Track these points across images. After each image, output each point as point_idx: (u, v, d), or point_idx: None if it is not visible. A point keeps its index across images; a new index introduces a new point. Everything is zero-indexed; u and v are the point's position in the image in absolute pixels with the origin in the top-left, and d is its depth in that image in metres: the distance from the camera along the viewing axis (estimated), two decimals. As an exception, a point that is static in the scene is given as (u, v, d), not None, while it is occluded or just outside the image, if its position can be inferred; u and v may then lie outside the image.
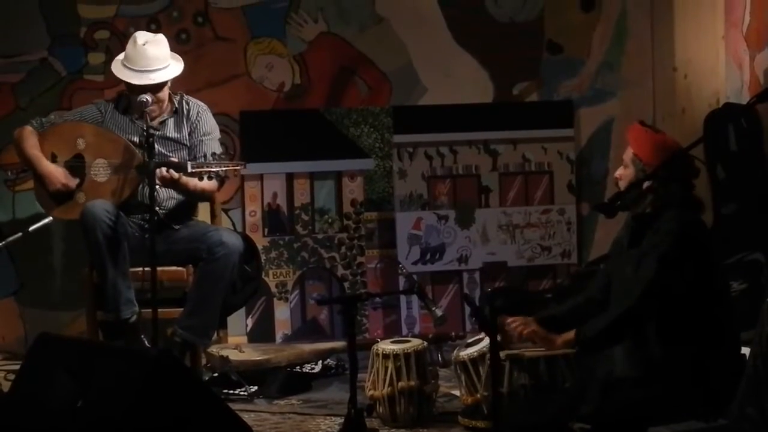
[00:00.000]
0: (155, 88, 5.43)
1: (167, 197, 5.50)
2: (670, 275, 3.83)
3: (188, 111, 5.59)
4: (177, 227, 5.51)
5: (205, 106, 5.67)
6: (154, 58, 5.44)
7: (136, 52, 5.44)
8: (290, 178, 6.61)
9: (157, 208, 5.28)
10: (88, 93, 6.34)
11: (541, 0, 6.75)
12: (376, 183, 6.67)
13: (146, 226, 5.22)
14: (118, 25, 6.48)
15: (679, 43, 6.68)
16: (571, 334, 4.01)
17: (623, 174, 4.11)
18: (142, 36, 5.51)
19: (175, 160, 5.31)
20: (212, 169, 5.19)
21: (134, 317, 5.32)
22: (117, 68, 5.50)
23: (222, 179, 5.45)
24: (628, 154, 4.11)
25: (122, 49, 5.63)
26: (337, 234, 6.65)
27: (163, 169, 5.20)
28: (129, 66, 5.45)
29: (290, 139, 6.59)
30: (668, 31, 6.73)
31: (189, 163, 5.21)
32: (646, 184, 4.00)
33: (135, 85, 5.42)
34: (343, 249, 6.65)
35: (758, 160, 5.96)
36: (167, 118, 5.56)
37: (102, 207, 5.26)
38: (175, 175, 5.20)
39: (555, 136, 6.76)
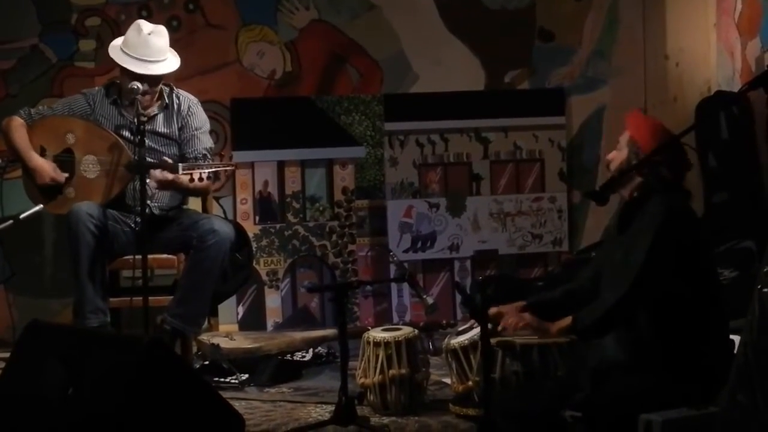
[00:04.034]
0: (153, 80, 5.39)
1: (157, 191, 5.45)
2: (659, 260, 3.82)
3: (179, 106, 5.54)
4: (168, 216, 5.50)
5: (195, 100, 5.62)
6: (156, 49, 5.39)
7: (140, 40, 5.37)
8: (281, 165, 6.60)
9: (148, 202, 5.25)
10: (78, 80, 6.32)
11: (533, -12, 6.76)
12: (367, 171, 6.66)
13: (138, 219, 5.19)
14: (109, 12, 6.46)
15: (671, 31, 6.69)
16: (565, 321, 4.00)
17: (615, 156, 4.07)
18: (146, 25, 5.44)
19: (169, 160, 5.23)
20: (203, 171, 5.16)
21: (102, 327, 5.24)
22: (116, 54, 5.42)
23: (216, 175, 5.40)
24: (625, 136, 4.07)
25: (113, 36, 5.59)
26: (328, 222, 6.64)
27: (158, 172, 5.17)
28: (130, 53, 5.38)
29: (281, 126, 6.57)
30: (660, 19, 6.73)
31: (180, 165, 5.18)
32: (636, 168, 3.98)
33: (134, 72, 5.36)
34: (334, 237, 6.64)
35: (749, 148, 5.96)
36: (157, 113, 5.50)
37: (87, 212, 5.21)
38: (170, 176, 5.15)
39: (546, 124, 6.76)
